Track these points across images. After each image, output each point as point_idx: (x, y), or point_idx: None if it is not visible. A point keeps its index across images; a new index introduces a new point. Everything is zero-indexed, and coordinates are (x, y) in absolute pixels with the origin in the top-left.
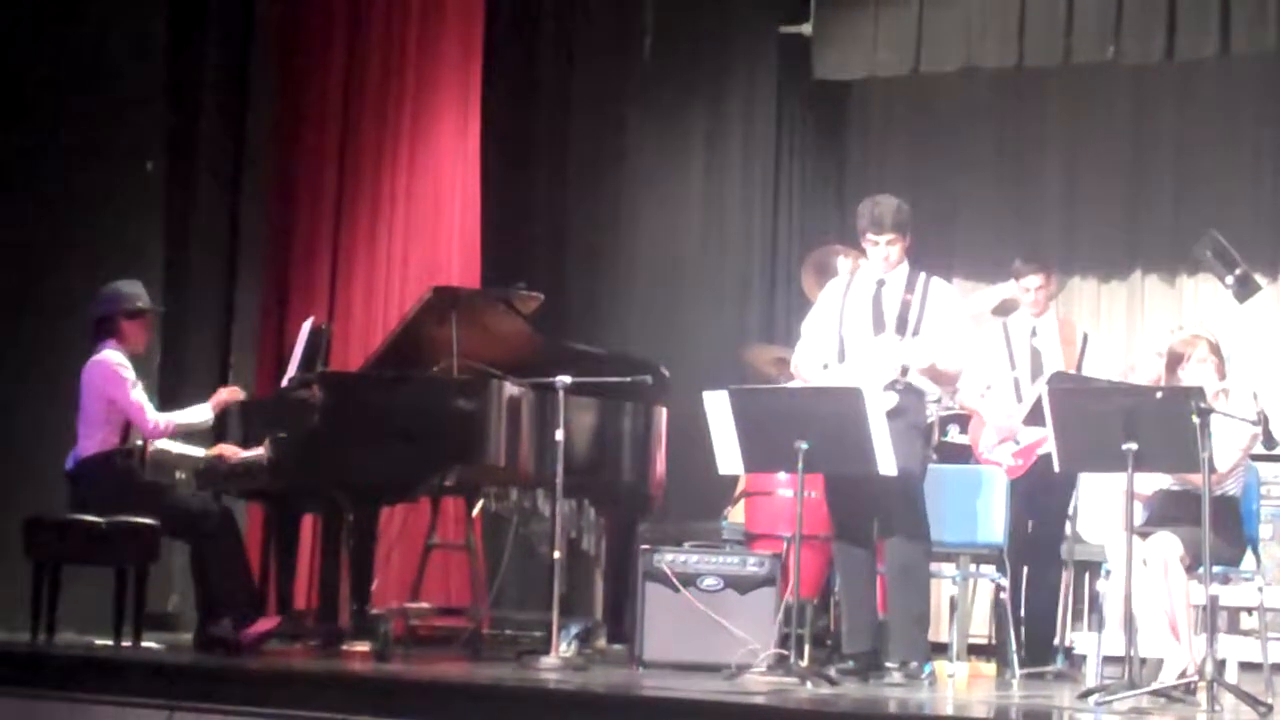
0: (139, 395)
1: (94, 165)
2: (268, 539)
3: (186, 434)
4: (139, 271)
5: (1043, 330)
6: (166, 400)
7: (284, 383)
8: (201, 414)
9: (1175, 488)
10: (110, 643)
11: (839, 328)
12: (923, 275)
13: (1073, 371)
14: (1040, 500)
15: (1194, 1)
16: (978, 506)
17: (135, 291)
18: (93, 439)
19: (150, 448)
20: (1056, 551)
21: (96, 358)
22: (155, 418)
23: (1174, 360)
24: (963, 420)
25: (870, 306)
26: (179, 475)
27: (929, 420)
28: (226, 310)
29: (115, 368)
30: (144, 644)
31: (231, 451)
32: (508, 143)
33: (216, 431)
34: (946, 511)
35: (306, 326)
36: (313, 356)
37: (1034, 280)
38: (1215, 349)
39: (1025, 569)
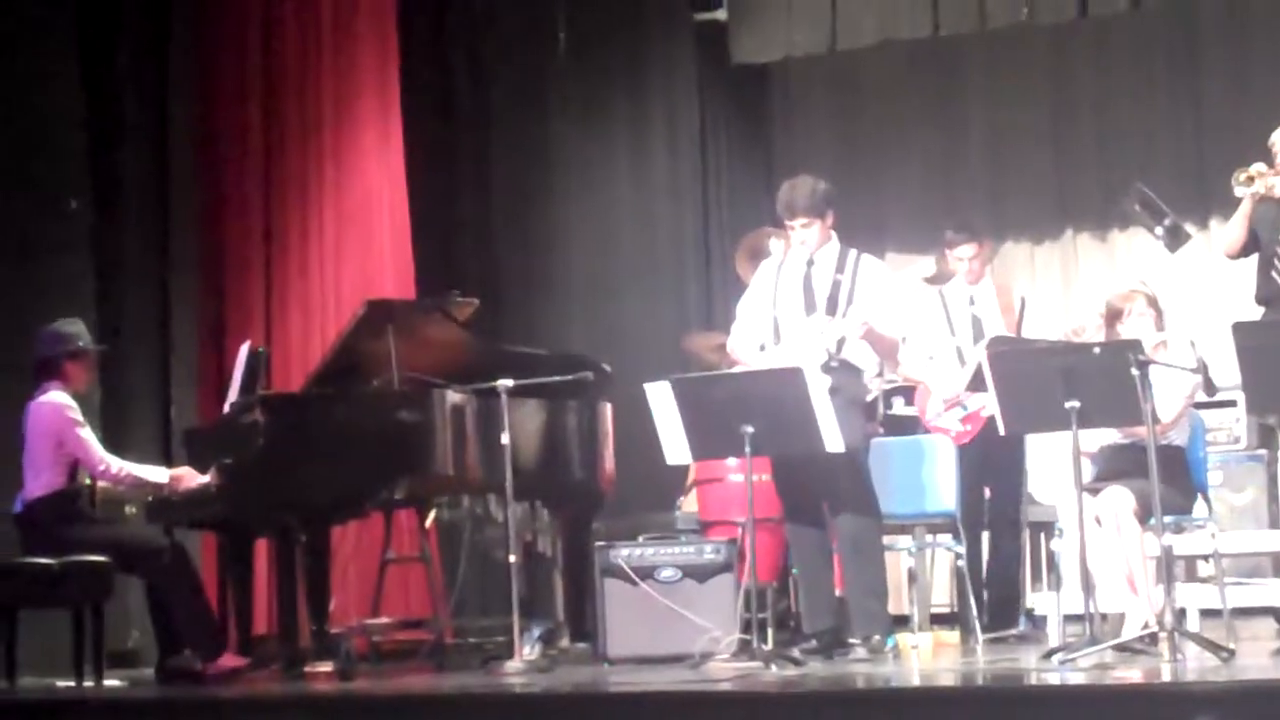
0: (88, 435)
1: (16, 204)
2: (223, 567)
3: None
4: (72, 310)
5: (980, 297)
6: (111, 438)
7: (225, 409)
8: (157, 476)
9: (1122, 441)
10: (72, 684)
11: (773, 309)
12: (853, 253)
13: (1012, 335)
14: (992, 465)
15: None
16: (925, 476)
17: (76, 330)
18: (39, 480)
19: (99, 484)
20: (1015, 515)
21: (43, 399)
22: (106, 458)
23: (1113, 316)
24: (908, 392)
25: (801, 287)
26: (129, 510)
27: (870, 395)
28: (163, 343)
29: (63, 409)
30: (106, 682)
31: (190, 475)
32: (431, 152)
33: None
34: (895, 483)
35: (244, 351)
36: (252, 380)
37: (967, 250)
38: (1153, 302)
39: (986, 534)
